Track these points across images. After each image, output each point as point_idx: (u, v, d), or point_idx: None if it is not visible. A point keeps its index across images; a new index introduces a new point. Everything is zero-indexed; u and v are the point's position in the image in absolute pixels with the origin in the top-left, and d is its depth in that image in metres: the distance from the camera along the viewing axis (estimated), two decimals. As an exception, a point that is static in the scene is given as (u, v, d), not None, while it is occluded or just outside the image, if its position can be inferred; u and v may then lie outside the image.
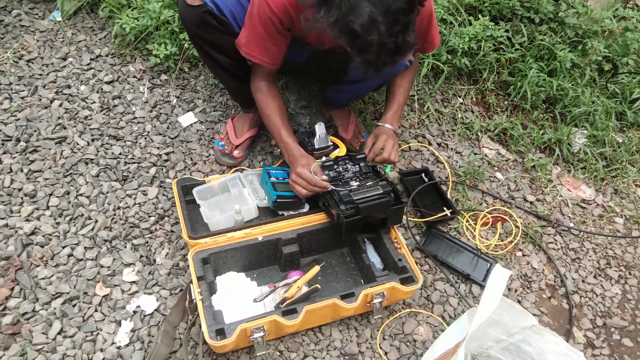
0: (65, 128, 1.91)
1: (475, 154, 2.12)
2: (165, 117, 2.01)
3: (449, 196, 1.91)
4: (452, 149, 2.11)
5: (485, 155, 2.13)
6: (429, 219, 1.79)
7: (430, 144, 2.11)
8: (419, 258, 1.74)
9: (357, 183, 1.58)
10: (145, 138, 1.93)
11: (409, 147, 2.07)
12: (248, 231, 1.54)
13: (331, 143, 1.74)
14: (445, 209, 1.84)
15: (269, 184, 1.63)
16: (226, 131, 1.91)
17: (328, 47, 1.43)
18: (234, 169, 1.76)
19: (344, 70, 1.72)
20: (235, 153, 1.87)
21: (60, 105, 1.97)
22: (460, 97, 2.28)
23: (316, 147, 1.71)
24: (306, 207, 1.66)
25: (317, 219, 1.61)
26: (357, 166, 1.65)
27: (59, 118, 1.93)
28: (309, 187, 1.52)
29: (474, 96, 2.28)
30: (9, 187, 1.71)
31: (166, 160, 1.87)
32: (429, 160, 2.05)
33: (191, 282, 1.43)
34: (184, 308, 1.46)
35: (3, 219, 1.63)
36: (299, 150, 1.59)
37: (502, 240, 1.85)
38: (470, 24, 2.22)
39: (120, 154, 1.87)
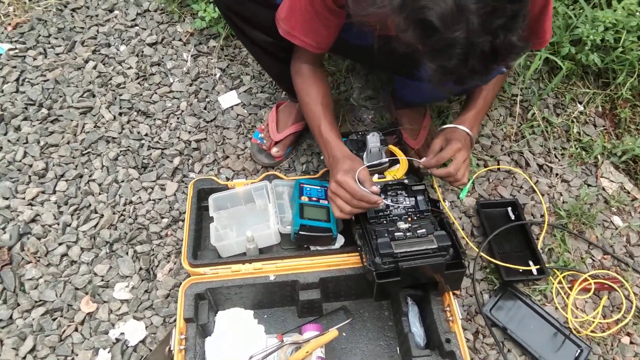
0: (94, 96, 1.68)
1: (588, 185, 1.59)
2: (204, 95, 1.70)
3: (540, 244, 1.44)
4: (557, 174, 1.60)
5: (603, 189, 1.59)
6: (505, 265, 1.35)
7: (528, 164, 1.61)
8: (482, 326, 1.33)
9: (407, 226, 1.18)
10: (178, 118, 1.65)
11: (499, 167, 1.59)
12: (258, 266, 1.22)
13: (387, 159, 1.34)
14: (531, 262, 1.38)
15: (296, 204, 1.29)
16: (267, 122, 1.57)
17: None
18: (267, 172, 1.43)
19: (416, 62, 1.28)
20: (274, 151, 1.53)
21: (95, 67, 1.74)
22: (581, 103, 1.72)
23: (365, 163, 1.32)
24: (339, 242, 1.30)
25: (350, 262, 1.25)
26: (413, 199, 1.25)
27: (89, 83, 1.70)
28: (354, 201, 1.13)
29: (601, 105, 1.71)
30: (20, 161, 1.52)
31: (195, 149, 1.59)
32: (522, 187, 1.57)
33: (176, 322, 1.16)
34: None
35: (7, 199, 1.46)
36: (342, 149, 1.19)
37: (604, 317, 1.37)
38: (610, 5, 1.62)
39: (146, 134, 1.61)
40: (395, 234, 1.15)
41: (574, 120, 1.68)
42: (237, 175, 1.53)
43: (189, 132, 1.62)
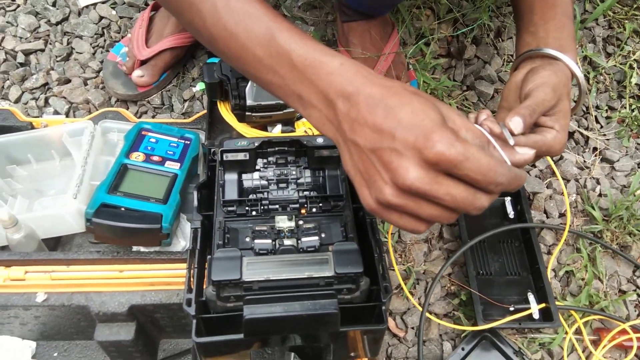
0: None
1: (644, 169, 0.99)
2: (61, -16, 1.12)
3: (551, 263, 0.86)
4: (595, 149, 0.99)
5: (668, 177, 0.98)
6: (485, 326, 0.77)
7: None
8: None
9: (292, 225, 0.61)
10: (9, 16, 1.07)
11: (499, 129, 0.98)
12: (18, 274, 0.66)
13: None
14: (532, 295, 0.80)
15: (115, 166, 0.72)
16: (135, 29, 0.98)
17: None
18: (108, 108, 0.87)
19: None
20: (136, 75, 0.95)
21: None
22: (649, 38, 1.08)
23: (250, 103, 0.74)
24: (179, 245, 0.72)
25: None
26: (319, 174, 0.66)
27: None
28: (490, 196, 0.42)
29: (683, 42, 1.07)
30: None
31: (22, 65, 1.01)
32: (535, 166, 0.97)
33: None
34: None
35: None
36: (366, 71, 0.43)
37: (648, 398, 0.80)
38: None
39: (-45, 38, 1.04)
40: (256, 241, 0.57)
41: (634, 64, 1.05)
42: (74, 111, 0.97)
43: (20, 39, 1.04)
